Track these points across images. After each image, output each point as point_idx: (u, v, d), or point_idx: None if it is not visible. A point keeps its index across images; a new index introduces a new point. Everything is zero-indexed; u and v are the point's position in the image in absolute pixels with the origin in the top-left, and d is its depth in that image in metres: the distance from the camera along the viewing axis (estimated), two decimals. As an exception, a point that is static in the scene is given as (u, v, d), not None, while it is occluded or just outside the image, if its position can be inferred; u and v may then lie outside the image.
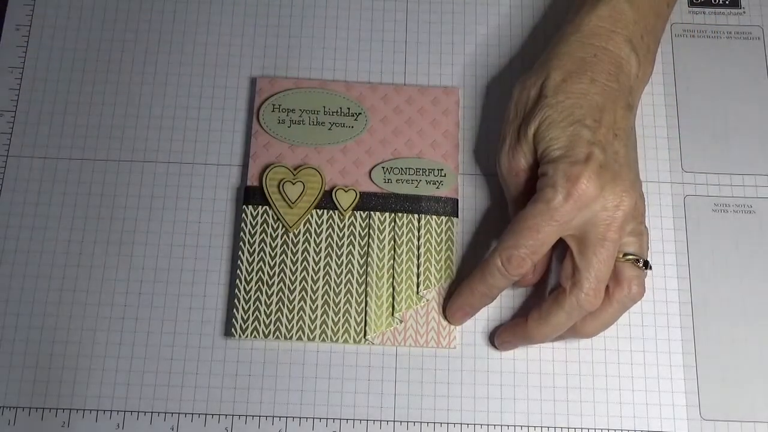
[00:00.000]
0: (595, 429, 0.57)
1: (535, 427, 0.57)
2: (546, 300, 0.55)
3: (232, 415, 0.57)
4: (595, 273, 0.53)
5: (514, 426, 0.57)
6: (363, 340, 0.58)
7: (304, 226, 0.60)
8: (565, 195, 0.52)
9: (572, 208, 0.52)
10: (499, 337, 0.58)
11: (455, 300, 0.57)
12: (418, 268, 0.59)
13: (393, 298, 0.58)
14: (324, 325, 0.58)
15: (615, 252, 0.53)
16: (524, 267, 0.54)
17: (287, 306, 0.58)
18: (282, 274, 0.59)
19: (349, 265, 0.59)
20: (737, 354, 0.58)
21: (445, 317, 0.58)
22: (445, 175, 0.61)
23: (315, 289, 0.58)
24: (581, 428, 0.57)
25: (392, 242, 0.59)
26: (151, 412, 0.57)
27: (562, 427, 0.57)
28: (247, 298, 0.58)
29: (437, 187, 0.60)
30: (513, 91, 0.59)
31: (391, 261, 0.59)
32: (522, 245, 0.53)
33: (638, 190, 0.54)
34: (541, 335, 0.55)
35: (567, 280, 0.54)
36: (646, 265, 0.55)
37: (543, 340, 0.56)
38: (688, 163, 0.62)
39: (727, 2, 0.67)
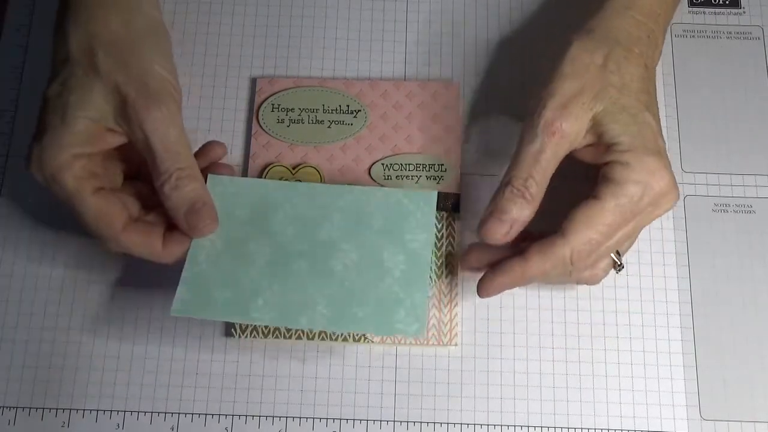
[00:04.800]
0: (595, 429, 0.57)
1: (535, 427, 0.57)
2: (546, 240, 0.53)
3: (232, 415, 0.57)
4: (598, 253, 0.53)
5: (514, 426, 0.57)
6: (363, 338, 0.58)
7: (303, 226, 0.60)
8: (646, 190, 0.51)
9: (648, 204, 0.52)
10: (492, 282, 0.54)
11: (501, 280, 0.54)
12: (418, 265, 0.59)
13: (393, 295, 0.58)
14: (324, 324, 0.58)
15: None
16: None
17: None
18: (282, 273, 0.59)
19: (349, 264, 0.59)
20: (737, 354, 0.58)
21: (478, 290, 0.55)
22: (445, 170, 0.61)
23: (315, 288, 0.58)
24: (581, 428, 0.57)
25: (392, 240, 0.59)
26: (151, 412, 0.57)
27: (562, 427, 0.57)
28: (247, 297, 0.58)
29: (438, 182, 0.60)
30: (568, 47, 0.55)
31: (391, 258, 0.59)
32: (601, 243, 0.52)
33: None
34: (540, 273, 0.53)
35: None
36: (619, 268, 0.55)
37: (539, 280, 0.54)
38: (688, 163, 0.62)
39: (727, 2, 0.67)
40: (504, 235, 0.53)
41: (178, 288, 0.53)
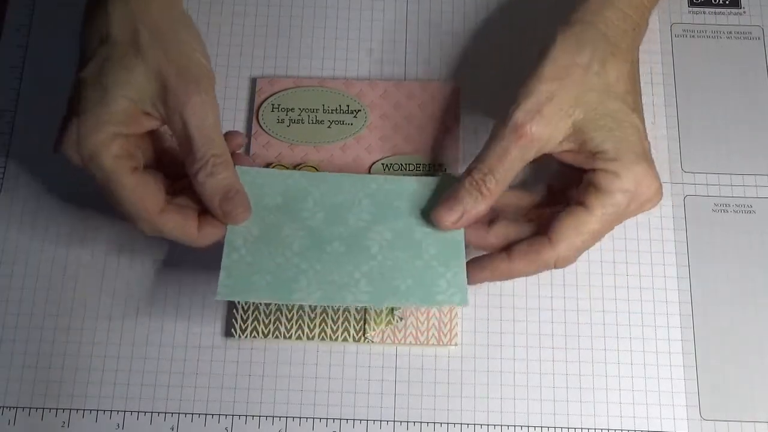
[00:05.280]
0: (595, 429, 0.57)
1: (535, 427, 0.57)
2: (533, 242, 0.53)
3: (232, 415, 0.57)
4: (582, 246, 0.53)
5: (514, 426, 0.57)
6: (363, 338, 0.58)
7: (303, 226, 0.59)
8: (633, 198, 0.52)
9: (634, 210, 0.52)
10: (475, 277, 0.54)
11: (483, 276, 0.54)
12: (418, 265, 0.59)
13: (393, 295, 0.58)
14: (323, 324, 0.58)
15: None
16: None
17: (287, 305, 0.58)
18: (282, 273, 0.59)
19: (349, 264, 0.59)
20: (737, 354, 0.58)
21: (467, 277, 0.54)
22: (445, 170, 0.61)
23: (315, 288, 0.58)
24: (581, 428, 0.57)
25: (392, 240, 0.59)
26: (151, 412, 0.57)
27: (562, 427, 0.57)
28: (247, 298, 0.58)
29: (438, 182, 0.60)
30: (551, 45, 0.53)
31: (391, 258, 0.59)
32: (583, 251, 0.53)
33: None
34: (524, 274, 0.54)
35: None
36: None
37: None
38: (688, 163, 0.62)
39: (727, 2, 0.67)
40: (453, 223, 0.53)
41: (221, 274, 0.53)
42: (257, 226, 0.54)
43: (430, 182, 0.56)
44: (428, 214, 0.55)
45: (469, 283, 0.53)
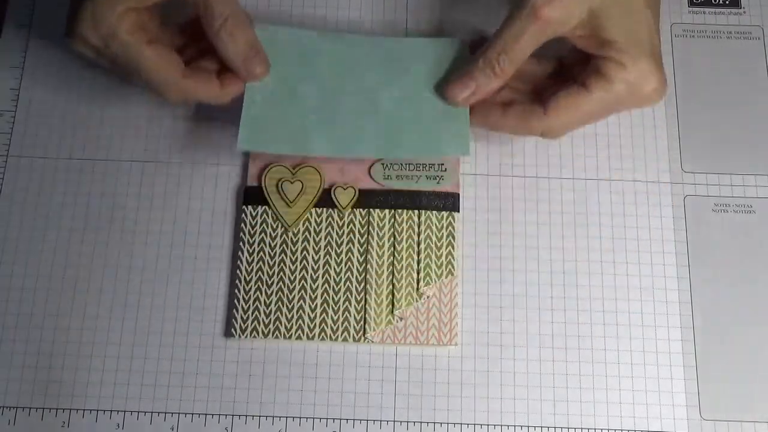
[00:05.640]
0: (595, 429, 0.57)
1: (535, 427, 0.57)
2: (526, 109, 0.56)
3: (232, 415, 0.57)
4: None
5: (514, 426, 0.57)
6: (362, 338, 0.58)
7: (303, 225, 0.60)
8: (634, 90, 0.53)
9: (632, 102, 0.55)
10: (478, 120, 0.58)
11: (480, 121, 0.58)
12: (418, 265, 0.59)
13: (393, 295, 0.58)
14: (323, 324, 0.58)
15: None
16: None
17: (287, 305, 0.58)
18: (281, 273, 0.59)
19: (349, 263, 0.59)
20: (737, 354, 0.58)
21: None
22: (445, 170, 0.61)
23: (314, 288, 0.58)
24: (581, 428, 0.57)
25: (392, 239, 0.59)
26: (151, 412, 0.57)
27: (562, 427, 0.57)
28: (246, 298, 0.58)
29: (438, 182, 0.60)
30: None
31: (391, 258, 0.59)
32: (571, 129, 0.57)
33: None
34: (512, 132, 0.58)
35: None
36: None
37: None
38: (688, 163, 0.62)
39: (727, 2, 0.67)
40: (464, 99, 0.57)
41: (240, 126, 0.57)
42: (274, 81, 0.58)
43: (442, 45, 0.60)
44: (438, 76, 0.58)
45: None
